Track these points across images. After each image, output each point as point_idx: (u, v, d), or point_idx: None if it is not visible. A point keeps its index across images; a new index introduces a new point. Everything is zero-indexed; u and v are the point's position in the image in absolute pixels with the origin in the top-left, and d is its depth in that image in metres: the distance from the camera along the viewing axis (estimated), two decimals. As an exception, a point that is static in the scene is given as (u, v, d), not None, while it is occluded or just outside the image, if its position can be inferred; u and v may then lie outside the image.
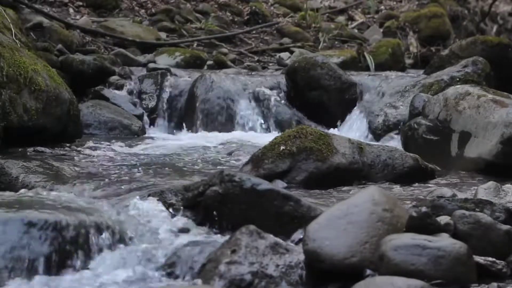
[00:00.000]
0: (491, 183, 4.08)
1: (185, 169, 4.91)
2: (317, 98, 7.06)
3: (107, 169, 4.84)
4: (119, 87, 7.14)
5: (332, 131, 6.29)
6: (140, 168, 4.85)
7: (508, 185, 4.25)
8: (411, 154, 4.80)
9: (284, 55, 9.10)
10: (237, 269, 2.93)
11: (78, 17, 9.08)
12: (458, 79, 6.53)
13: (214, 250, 3.10)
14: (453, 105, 5.35)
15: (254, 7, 10.32)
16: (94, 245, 3.27)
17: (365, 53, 8.83)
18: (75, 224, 3.25)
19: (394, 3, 11.69)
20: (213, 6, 10.31)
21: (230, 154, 5.53)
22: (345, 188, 4.38)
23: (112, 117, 6.59)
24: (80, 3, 9.45)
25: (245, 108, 7.00)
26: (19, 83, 5.49)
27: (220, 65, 8.43)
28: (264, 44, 9.66)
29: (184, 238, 3.39)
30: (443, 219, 3.18)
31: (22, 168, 4.53)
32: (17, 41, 6.15)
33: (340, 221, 3.04)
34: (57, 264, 3.14)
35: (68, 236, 3.21)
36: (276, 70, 8.46)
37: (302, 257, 3.03)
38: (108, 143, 5.86)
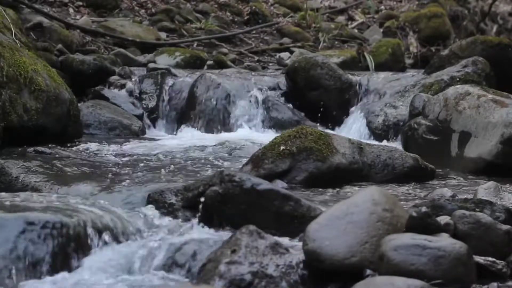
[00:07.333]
0: (491, 183, 4.08)
1: (185, 169, 4.90)
2: (317, 98, 7.06)
3: (107, 169, 4.84)
4: (119, 87, 7.13)
5: (332, 131, 6.28)
6: (140, 168, 4.85)
7: (508, 185, 4.26)
8: (411, 154, 4.81)
9: (284, 55, 9.10)
10: (237, 269, 2.93)
11: (78, 17, 9.07)
12: (458, 79, 6.53)
13: (214, 250, 3.10)
14: (453, 105, 5.35)
15: (254, 7, 10.31)
16: (93, 244, 3.27)
17: (365, 53, 8.83)
18: (75, 224, 3.26)
19: (394, 3, 11.69)
20: (213, 6, 10.30)
21: (230, 154, 5.53)
22: (345, 188, 4.38)
23: (112, 117, 6.59)
24: (80, 3, 9.44)
25: (245, 108, 6.99)
26: (19, 83, 5.50)
27: (220, 65, 8.42)
28: (264, 44, 9.66)
29: (184, 238, 3.39)
30: (443, 219, 3.17)
31: (22, 168, 4.52)
32: (17, 41, 6.15)
33: (340, 221, 3.04)
34: (54, 263, 3.14)
35: (68, 236, 3.21)
36: (276, 70, 8.46)
37: (302, 257, 3.03)
38: (108, 143, 5.86)
